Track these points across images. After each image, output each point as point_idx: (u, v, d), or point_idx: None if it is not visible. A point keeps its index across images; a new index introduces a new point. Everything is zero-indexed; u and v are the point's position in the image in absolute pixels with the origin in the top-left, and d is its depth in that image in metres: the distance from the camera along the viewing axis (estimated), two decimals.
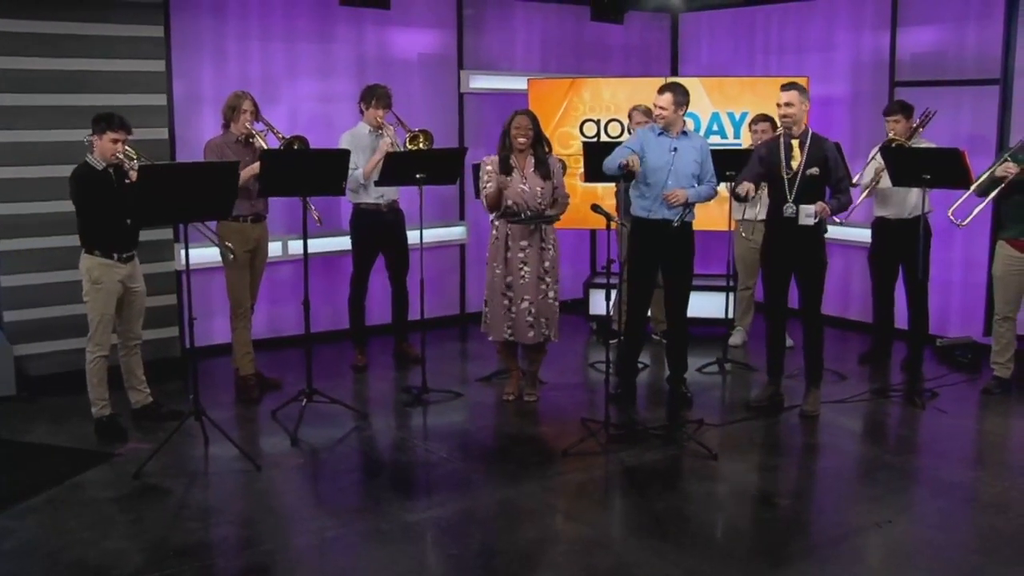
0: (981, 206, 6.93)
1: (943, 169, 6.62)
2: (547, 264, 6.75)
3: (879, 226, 7.71)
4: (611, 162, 6.47)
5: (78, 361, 6.39)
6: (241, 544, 4.91)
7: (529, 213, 6.65)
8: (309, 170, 6.44)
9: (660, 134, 6.57)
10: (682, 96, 6.55)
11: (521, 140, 6.63)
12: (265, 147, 6.80)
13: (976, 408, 6.99)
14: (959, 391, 7.24)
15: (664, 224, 6.53)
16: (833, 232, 7.91)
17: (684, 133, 6.65)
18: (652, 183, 6.53)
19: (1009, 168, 6.75)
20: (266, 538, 4.95)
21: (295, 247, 7.85)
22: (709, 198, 6.73)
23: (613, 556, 4.74)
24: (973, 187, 6.75)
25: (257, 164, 6.57)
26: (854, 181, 7.32)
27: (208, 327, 7.67)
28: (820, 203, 6.36)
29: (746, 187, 6.45)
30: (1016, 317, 7.10)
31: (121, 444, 6.13)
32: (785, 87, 6.51)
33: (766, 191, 6.78)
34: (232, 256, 6.71)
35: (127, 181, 6.08)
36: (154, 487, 5.48)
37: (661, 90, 6.57)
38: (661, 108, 6.52)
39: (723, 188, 7.05)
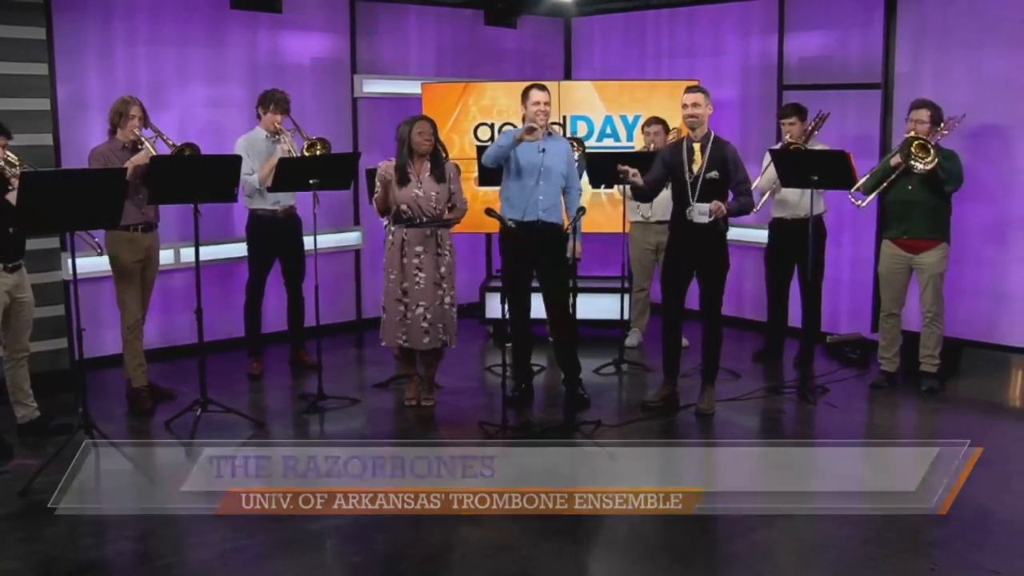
0: (869, 198, 7.13)
1: (830, 170, 6.83)
2: (443, 270, 6.73)
3: (775, 226, 7.87)
4: (504, 140, 6.52)
5: None
6: (138, 559, 4.79)
7: (425, 219, 6.63)
8: (200, 176, 6.32)
9: None
10: (548, 96, 6.67)
11: (425, 145, 6.61)
12: (154, 154, 6.63)
13: (865, 402, 7.20)
14: (849, 386, 7.44)
15: (537, 226, 6.58)
16: (729, 232, 8.06)
17: (549, 134, 6.73)
18: (524, 184, 6.59)
19: (897, 159, 6.96)
20: (164, 552, 4.85)
21: (187, 255, 7.64)
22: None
23: (519, 559, 4.74)
24: (856, 186, 6.97)
25: (143, 154, 6.43)
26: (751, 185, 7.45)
27: (98, 338, 7.48)
28: (716, 201, 6.41)
29: (630, 171, 6.47)
30: (901, 313, 7.33)
31: (6, 461, 5.92)
32: (691, 89, 6.61)
33: (670, 193, 6.81)
34: (100, 251, 6.55)
35: (9, 188, 5.88)
36: (44, 504, 5.25)
37: (540, 88, 6.64)
38: (545, 104, 6.58)
39: (616, 191, 7.08)
